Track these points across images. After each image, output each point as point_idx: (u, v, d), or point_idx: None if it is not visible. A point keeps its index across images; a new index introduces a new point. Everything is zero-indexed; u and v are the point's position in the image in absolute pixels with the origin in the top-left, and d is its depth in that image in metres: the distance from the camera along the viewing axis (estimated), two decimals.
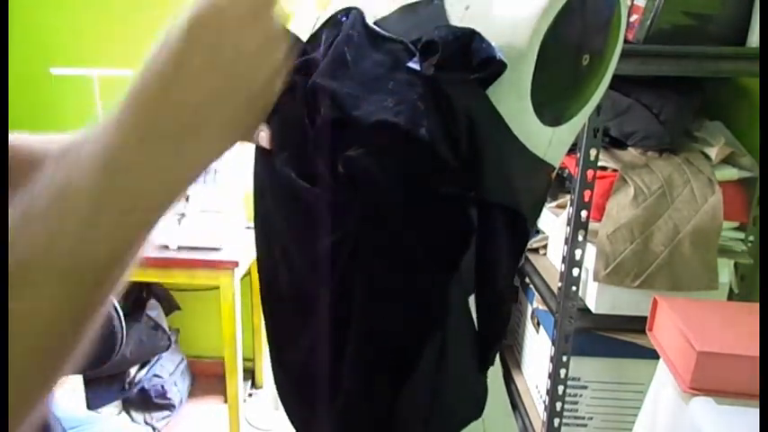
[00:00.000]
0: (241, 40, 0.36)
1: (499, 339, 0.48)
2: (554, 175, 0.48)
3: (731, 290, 1.25)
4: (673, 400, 0.87)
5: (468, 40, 0.39)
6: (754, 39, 1.10)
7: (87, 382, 1.79)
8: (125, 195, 0.34)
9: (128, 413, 2.03)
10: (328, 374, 0.48)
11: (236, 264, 1.72)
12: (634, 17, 1.12)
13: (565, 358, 1.23)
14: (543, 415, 1.32)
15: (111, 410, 1.99)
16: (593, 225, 1.15)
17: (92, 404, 1.83)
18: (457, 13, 0.44)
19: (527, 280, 1.52)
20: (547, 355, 1.29)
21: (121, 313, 1.36)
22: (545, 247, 1.53)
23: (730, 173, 1.19)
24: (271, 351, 0.58)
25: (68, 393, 1.68)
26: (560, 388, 1.25)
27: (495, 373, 0.54)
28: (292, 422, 0.58)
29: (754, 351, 0.77)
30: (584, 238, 1.15)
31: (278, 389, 0.59)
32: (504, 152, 0.42)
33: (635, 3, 1.12)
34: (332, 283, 0.46)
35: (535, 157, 0.44)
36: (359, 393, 0.46)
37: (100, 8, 2.05)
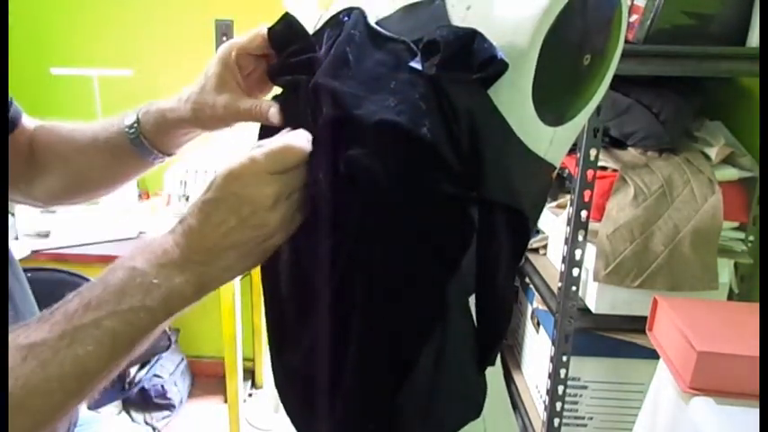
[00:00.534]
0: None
1: (499, 339, 0.48)
2: (554, 174, 0.48)
3: (731, 290, 1.25)
4: (673, 400, 0.87)
5: (470, 40, 0.39)
6: (754, 39, 1.10)
7: None
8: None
9: (128, 413, 2.02)
10: (329, 374, 0.48)
11: None
12: (634, 17, 1.12)
13: (565, 358, 1.23)
14: (543, 415, 1.31)
15: (111, 410, 1.99)
16: (593, 225, 1.15)
17: (92, 404, 1.83)
18: (458, 13, 0.44)
19: (527, 280, 1.52)
20: (547, 355, 1.29)
21: None
22: (545, 247, 1.53)
23: (730, 173, 1.19)
24: (271, 351, 0.58)
25: None
26: (560, 388, 1.25)
27: (495, 373, 0.54)
28: (293, 422, 0.58)
29: (754, 351, 0.77)
30: (584, 238, 1.14)
31: (278, 389, 0.59)
32: (506, 152, 0.42)
33: (635, 3, 1.12)
34: (332, 283, 0.46)
35: (536, 157, 0.44)
36: (359, 393, 0.46)
37: (99, 8, 2.05)
